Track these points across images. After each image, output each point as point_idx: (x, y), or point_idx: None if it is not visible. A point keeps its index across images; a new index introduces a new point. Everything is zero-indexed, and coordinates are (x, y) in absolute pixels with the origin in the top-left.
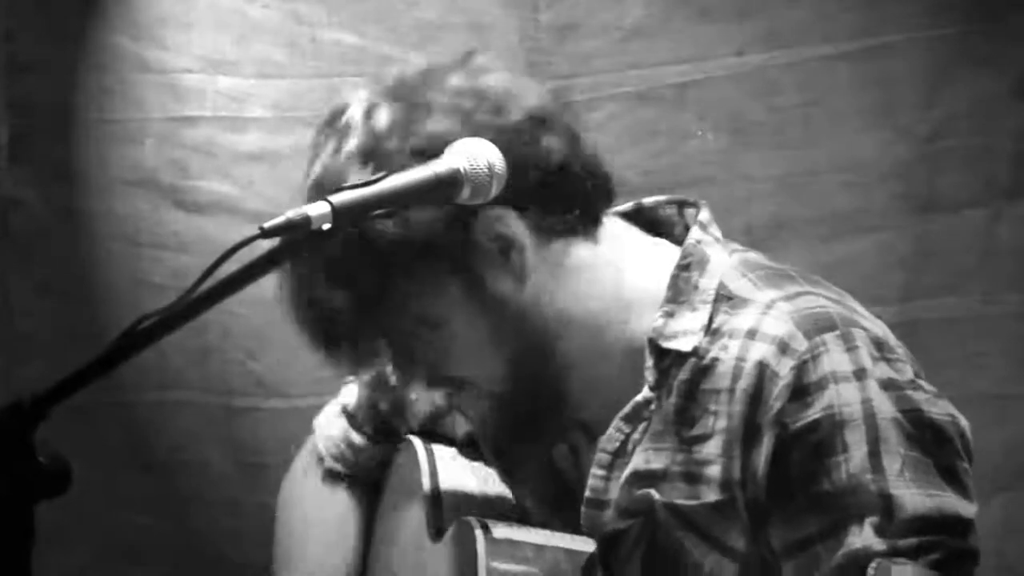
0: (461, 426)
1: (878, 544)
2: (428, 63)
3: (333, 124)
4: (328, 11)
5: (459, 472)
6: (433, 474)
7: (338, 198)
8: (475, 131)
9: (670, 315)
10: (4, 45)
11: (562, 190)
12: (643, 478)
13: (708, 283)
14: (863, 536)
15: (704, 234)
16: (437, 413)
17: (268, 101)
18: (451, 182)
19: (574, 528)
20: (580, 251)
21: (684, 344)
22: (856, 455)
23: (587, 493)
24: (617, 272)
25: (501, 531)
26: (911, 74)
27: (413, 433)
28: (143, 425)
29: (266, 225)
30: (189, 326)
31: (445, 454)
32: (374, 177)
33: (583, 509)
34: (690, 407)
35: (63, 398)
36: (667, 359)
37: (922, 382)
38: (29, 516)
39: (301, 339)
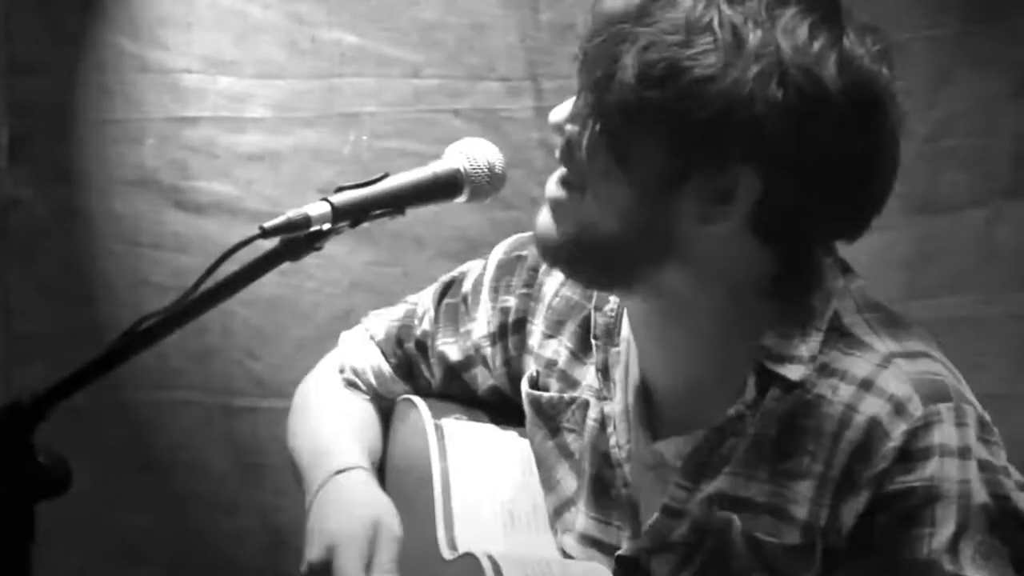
0: (485, 381)
1: None
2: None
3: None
4: (328, 11)
5: (472, 460)
6: (444, 470)
7: (338, 198)
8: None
9: (781, 336)
10: (4, 45)
11: (812, 215)
12: (728, 501)
13: (823, 308)
14: None
15: (825, 254)
16: (463, 364)
17: (268, 101)
18: (450, 182)
19: (603, 511)
20: (759, 256)
21: (792, 372)
22: (942, 533)
23: (667, 500)
24: (757, 280)
25: (512, 572)
26: (911, 74)
27: (435, 377)
28: (143, 425)
29: (266, 225)
30: (189, 326)
31: (458, 433)
32: (373, 177)
33: (656, 515)
34: (788, 441)
35: (63, 398)
36: (767, 380)
37: (1012, 470)
38: (29, 516)
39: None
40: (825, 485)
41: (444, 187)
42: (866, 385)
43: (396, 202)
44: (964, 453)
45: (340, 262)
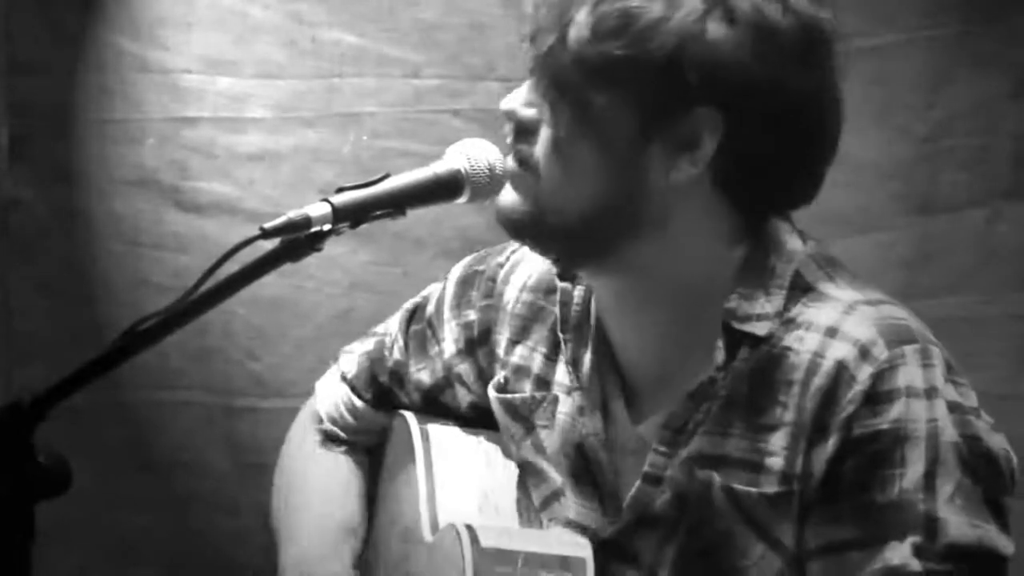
0: (463, 398)
1: (916, 564)
2: None
3: None
4: (328, 11)
5: (456, 456)
6: (428, 466)
7: (338, 199)
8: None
9: (744, 297)
10: (4, 45)
11: (770, 173)
12: (707, 460)
13: (784, 268)
14: (901, 553)
15: (780, 218)
16: (438, 386)
17: (268, 101)
18: (451, 182)
19: (587, 499)
20: (726, 210)
21: (758, 328)
22: (912, 472)
23: (647, 468)
24: (721, 243)
25: (491, 540)
26: (911, 74)
27: (414, 404)
28: (143, 425)
29: (266, 226)
30: (189, 326)
31: (441, 435)
32: (374, 178)
33: (637, 484)
34: (760, 395)
35: (63, 398)
36: (737, 340)
37: (983, 412)
38: (29, 516)
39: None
40: (798, 433)
41: (445, 187)
42: (831, 332)
43: (397, 202)
44: (931, 393)
45: (340, 262)
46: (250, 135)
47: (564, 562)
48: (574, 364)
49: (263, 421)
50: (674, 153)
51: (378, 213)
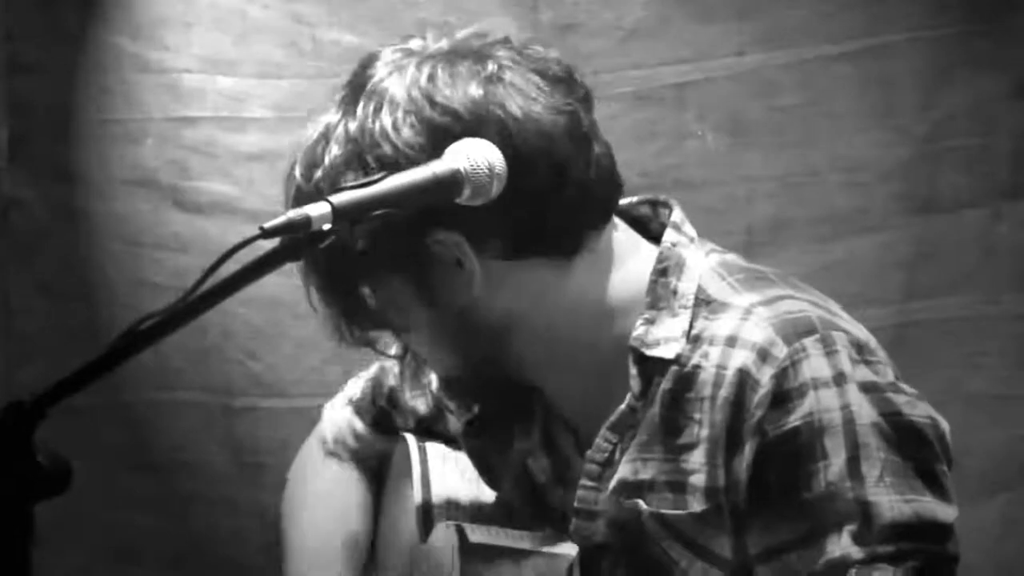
0: (456, 425)
1: (857, 552)
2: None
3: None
4: (328, 11)
5: (451, 472)
6: (425, 478)
7: (338, 198)
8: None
9: (651, 322)
10: (4, 45)
11: (530, 220)
12: (631, 488)
13: (687, 287)
14: (841, 544)
15: (678, 235)
16: (432, 415)
17: (268, 101)
18: (450, 182)
19: (554, 528)
20: (545, 264)
21: (666, 352)
22: (835, 462)
23: (577, 504)
24: (592, 280)
25: (478, 536)
26: (911, 74)
27: (409, 429)
28: (143, 425)
29: (266, 225)
30: (189, 326)
31: (438, 453)
32: (374, 177)
33: (574, 520)
34: (675, 416)
35: (63, 398)
36: (650, 367)
37: (902, 385)
38: (29, 516)
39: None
40: (714, 448)
41: (444, 187)
42: (731, 341)
43: (396, 201)
44: (839, 379)
45: None
46: (250, 135)
47: (549, 557)
48: (519, 413)
49: (263, 421)
50: (454, 282)
51: (377, 212)
